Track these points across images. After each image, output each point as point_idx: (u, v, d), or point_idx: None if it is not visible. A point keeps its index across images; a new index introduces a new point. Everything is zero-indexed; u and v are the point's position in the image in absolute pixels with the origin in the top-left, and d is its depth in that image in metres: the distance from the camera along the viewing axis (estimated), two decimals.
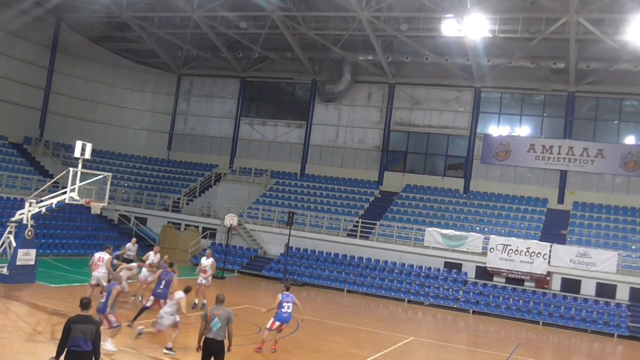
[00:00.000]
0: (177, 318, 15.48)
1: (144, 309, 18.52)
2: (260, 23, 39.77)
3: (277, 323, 16.82)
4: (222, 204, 40.68)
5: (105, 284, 19.50)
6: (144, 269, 22.14)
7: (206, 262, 23.14)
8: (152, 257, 22.75)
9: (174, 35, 42.89)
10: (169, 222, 40.11)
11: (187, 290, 15.77)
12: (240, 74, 46.60)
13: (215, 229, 39.38)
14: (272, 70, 45.72)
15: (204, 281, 22.92)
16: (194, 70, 48.45)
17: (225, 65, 45.88)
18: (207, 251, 24.34)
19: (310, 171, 44.25)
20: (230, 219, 35.30)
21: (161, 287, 18.34)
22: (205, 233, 39.52)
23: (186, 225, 40.04)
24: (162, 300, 17.81)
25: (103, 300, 14.98)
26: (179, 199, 42.86)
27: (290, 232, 34.83)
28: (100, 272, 19.95)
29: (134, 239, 26.12)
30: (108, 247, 20.82)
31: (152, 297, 18.54)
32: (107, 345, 14.53)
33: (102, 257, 20.17)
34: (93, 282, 20.18)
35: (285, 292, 16.94)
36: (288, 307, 16.71)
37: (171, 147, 48.88)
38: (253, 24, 39.99)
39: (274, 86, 47.30)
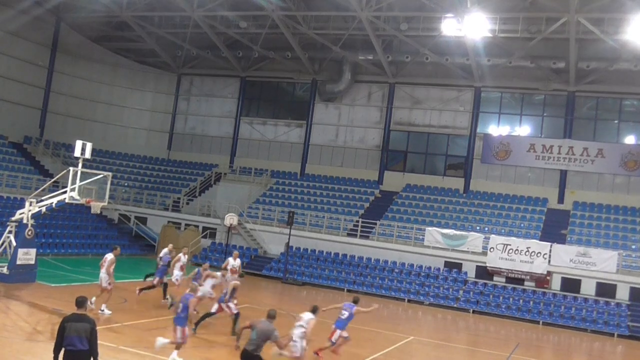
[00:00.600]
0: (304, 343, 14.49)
1: (208, 314, 18.57)
2: (260, 22, 39.77)
3: (337, 331, 16.29)
4: (222, 203, 40.70)
5: (104, 284, 19.51)
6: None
7: (235, 262, 23.40)
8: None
9: (174, 35, 42.90)
10: (169, 222, 40.13)
11: (314, 311, 14.75)
12: (240, 74, 46.60)
13: (215, 229, 39.39)
14: (272, 70, 45.72)
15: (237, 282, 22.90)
16: (194, 69, 48.46)
17: (225, 64, 45.88)
18: (235, 252, 24.48)
19: (311, 171, 44.25)
20: (230, 219, 35.34)
21: (228, 294, 18.46)
22: (205, 232, 39.53)
23: (186, 224, 40.06)
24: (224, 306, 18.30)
25: (180, 311, 14.61)
26: (179, 198, 42.87)
27: (290, 231, 34.83)
28: (101, 273, 19.87)
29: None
30: (115, 248, 20.59)
31: (216, 304, 18.62)
32: (173, 355, 14.43)
33: (105, 257, 20.09)
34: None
35: (351, 303, 16.49)
36: (342, 314, 16.30)
37: (171, 147, 48.88)
38: (253, 23, 39.99)
39: (274, 86, 47.30)
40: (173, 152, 48.66)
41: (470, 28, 34.30)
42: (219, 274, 20.49)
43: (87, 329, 9.49)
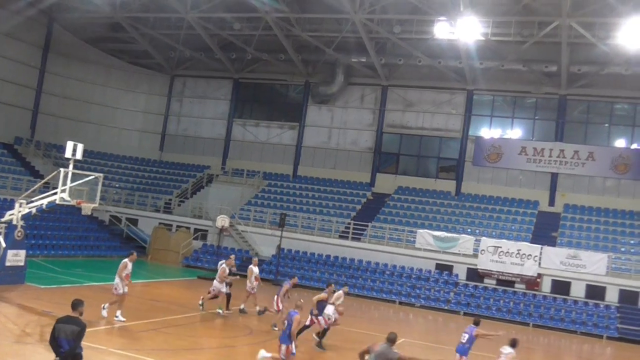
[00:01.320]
0: None
1: (305, 327, 18.67)
2: (253, 24, 39.80)
3: (457, 355, 16.14)
4: (214, 205, 40.63)
5: (118, 291, 18.85)
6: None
7: (256, 269, 23.35)
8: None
9: (168, 36, 42.89)
10: (160, 223, 40.08)
11: (514, 345, 15.41)
12: (234, 75, 46.60)
13: (207, 230, 39.34)
14: (265, 72, 45.72)
15: (255, 289, 23.15)
16: (187, 71, 48.42)
17: (218, 66, 45.87)
18: (254, 259, 24.33)
19: (303, 172, 44.27)
20: (222, 220, 35.31)
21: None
22: (197, 234, 39.47)
23: (177, 226, 39.99)
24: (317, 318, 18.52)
25: (285, 328, 14.40)
26: (170, 200, 42.81)
27: (282, 233, 34.84)
28: (116, 278, 19.13)
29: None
30: (131, 253, 19.82)
31: (321, 318, 18.87)
32: None
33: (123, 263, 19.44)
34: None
35: (471, 325, 16.26)
36: (463, 338, 16.04)
37: (163, 148, 48.81)
38: (247, 25, 40.02)
39: (267, 87, 47.33)
40: (165, 153, 48.60)
41: (463, 31, 34.48)
42: (324, 294, 19.73)
43: (75, 331, 9.53)
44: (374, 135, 42.96)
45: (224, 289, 22.64)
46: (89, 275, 28.69)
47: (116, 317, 18.63)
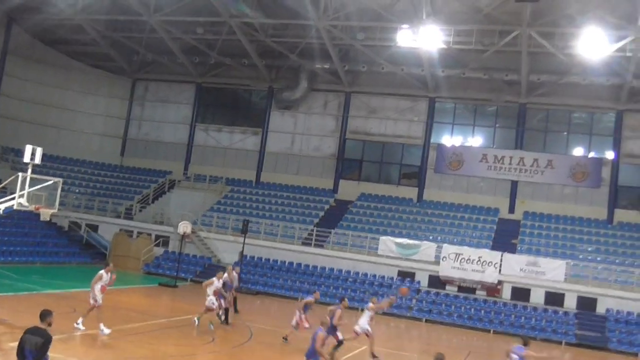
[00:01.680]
0: None
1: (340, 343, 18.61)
2: (217, 29, 39.55)
3: None
4: (176, 211, 40.13)
5: (92, 301, 18.37)
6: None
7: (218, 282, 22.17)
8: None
9: (130, 39, 42.34)
10: (121, 230, 39.45)
11: (526, 343, 15.23)
12: (197, 80, 46.21)
13: (169, 237, 38.82)
14: (228, 77, 45.43)
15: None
16: (149, 74, 47.80)
17: (181, 70, 45.40)
18: (229, 267, 24.44)
19: (266, 179, 44.11)
20: (184, 227, 34.87)
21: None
22: (158, 241, 38.95)
23: (139, 232, 39.43)
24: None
25: (310, 345, 14.47)
26: (131, 205, 42.19)
27: (244, 240, 34.63)
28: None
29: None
30: (107, 264, 19.36)
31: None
32: None
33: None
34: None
35: (520, 345, 15.38)
36: (511, 358, 15.15)
37: (125, 153, 48.10)
38: (210, 29, 39.75)
39: (230, 92, 47.07)
40: (126, 158, 47.89)
41: (425, 39, 34.81)
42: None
43: (39, 343, 9.38)
44: (337, 142, 43.06)
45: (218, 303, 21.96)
46: (47, 282, 28.10)
47: (101, 330, 18.10)
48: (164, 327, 21.43)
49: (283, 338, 20.51)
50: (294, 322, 20.62)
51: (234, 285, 24.17)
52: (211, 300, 21.39)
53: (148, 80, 48.06)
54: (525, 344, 15.20)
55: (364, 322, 19.77)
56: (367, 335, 19.73)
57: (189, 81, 46.55)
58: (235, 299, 24.66)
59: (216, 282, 21.64)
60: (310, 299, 21.08)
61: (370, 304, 20.29)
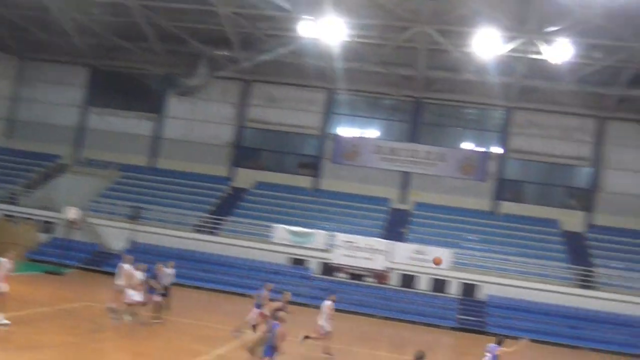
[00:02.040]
0: None
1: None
2: (114, 10, 38.16)
3: None
4: (65, 196, 38.50)
5: None
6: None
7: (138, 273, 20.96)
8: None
9: (19, 17, 40.15)
10: (4, 215, 37.54)
11: (499, 342, 15.21)
12: (91, 62, 44.49)
13: (56, 223, 37.28)
14: (125, 60, 43.85)
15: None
16: (40, 54, 45.49)
17: (76, 51, 43.51)
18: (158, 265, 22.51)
19: (162, 165, 43.17)
20: (72, 212, 33.67)
21: None
22: (45, 227, 37.28)
23: (25, 218, 37.62)
24: None
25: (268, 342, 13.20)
26: (16, 190, 40.21)
27: (135, 226, 33.78)
28: None
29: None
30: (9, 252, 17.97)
31: None
32: None
33: None
34: None
35: (493, 344, 15.28)
36: (485, 357, 15.23)
37: (13, 135, 45.74)
38: (107, 10, 38.32)
39: (126, 76, 45.42)
40: (12, 140, 45.47)
41: (325, 31, 34.97)
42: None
43: None
44: (236, 130, 42.75)
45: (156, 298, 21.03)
46: None
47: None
48: (47, 316, 20.55)
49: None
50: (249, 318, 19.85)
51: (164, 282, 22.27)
52: (131, 295, 19.96)
53: (39, 60, 45.73)
54: (499, 343, 15.34)
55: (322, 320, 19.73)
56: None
57: (84, 63, 44.75)
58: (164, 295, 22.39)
59: (136, 274, 20.26)
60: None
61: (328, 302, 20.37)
